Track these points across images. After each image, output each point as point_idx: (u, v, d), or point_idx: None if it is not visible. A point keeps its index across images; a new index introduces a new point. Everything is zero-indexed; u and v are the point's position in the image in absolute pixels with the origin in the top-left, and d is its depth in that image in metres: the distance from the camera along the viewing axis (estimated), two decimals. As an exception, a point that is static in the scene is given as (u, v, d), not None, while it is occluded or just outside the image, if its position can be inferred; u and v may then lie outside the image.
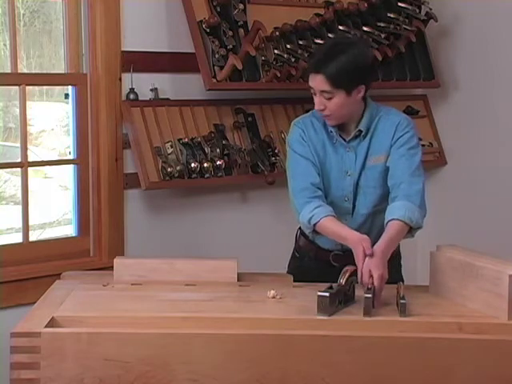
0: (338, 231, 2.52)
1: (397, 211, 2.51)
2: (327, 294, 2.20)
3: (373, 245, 2.41)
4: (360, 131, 2.65)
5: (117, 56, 3.32)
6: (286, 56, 3.50)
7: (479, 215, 4.09)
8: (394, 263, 2.67)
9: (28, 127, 3.31)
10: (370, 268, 2.33)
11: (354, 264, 2.43)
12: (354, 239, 2.44)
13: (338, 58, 2.51)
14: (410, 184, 2.57)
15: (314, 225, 2.55)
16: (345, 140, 2.67)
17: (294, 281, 2.62)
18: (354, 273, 2.34)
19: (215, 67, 3.38)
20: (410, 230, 2.53)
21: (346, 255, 2.59)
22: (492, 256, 2.37)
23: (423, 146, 4.14)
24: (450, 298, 2.39)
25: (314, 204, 2.57)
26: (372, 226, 2.70)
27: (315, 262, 2.79)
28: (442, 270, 2.44)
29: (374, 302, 2.26)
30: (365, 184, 2.67)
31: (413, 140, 2.66)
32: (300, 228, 2.79)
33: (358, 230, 2.58)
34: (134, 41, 3.36)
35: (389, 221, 2.51)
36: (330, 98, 2.55)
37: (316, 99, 2.58)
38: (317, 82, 2.54)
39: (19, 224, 3.26)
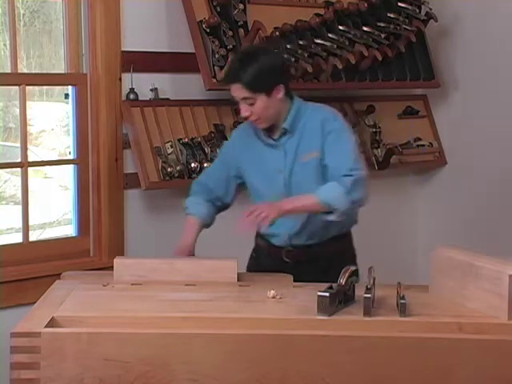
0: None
1: (322, 190, 2.60)
2: (327, 294, 2.20)
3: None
4: (285, 129, 2.72)
5: (117, 56, 3.33)
6: (286, 56, 3.50)
7: (479, 215, 4.09)
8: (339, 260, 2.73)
9: (28, 127, 3.31)
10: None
11: (306, 259, 2.73)
12: (180, 246, 2.76)
13: (251, 64, 2.62)
14: (344, 174, 2.61)
15: (186, 214, 2.82)
16: (274, 139, 2.75)
17: None
18: (354, 273, 2.34)
19: (215, 67, 3.38)
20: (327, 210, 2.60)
21: (297, 251, 2.78)
22: (492, 256, 2.37)
23: (423, 146, 4.16)
24: (450, 298, 2.38)
25: (195, 198, 2.84)
26: (311, 224, 2.74)
27: (270, 260, 2.84)
28: (442, 269, 2.44)
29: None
30: (299, 180, 2.73)
31: (342, 131, 2.72)
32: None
33: (299, 227, 2.74)
34: (134, 41, 3.36)
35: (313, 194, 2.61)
36: (252, 104, 2.64)
37: (241, 107, 2.67)
38: (237, 90, 2.64)
39: (19, 224, 3.26)
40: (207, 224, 2.87)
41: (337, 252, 2.81)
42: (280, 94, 2.66)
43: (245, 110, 2.66)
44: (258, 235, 2.90)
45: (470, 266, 2.33)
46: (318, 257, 2.79)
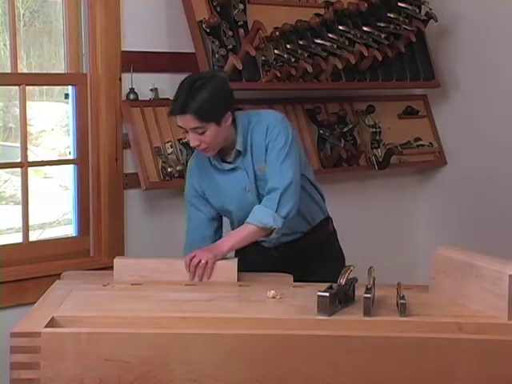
0: None
1: (254, 216, 2.64)
2: (327, 294, 2.20)
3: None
4: (238, 151, 2.71)
5: (117, 56, 3.32)
6: (285, 56, 3.50)
7: (479, 215, 4.09)
8: (322, 249, 2.89)
9: (28, 127, 3.31)
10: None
11: (296, 251, 2.80)
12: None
13: (200, 94, 2.57)
14: (271, 188, 2.66)
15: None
16: (229, 162, 2.73)
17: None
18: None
19: (215, 67, 3.37)
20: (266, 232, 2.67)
21: (285, 246, 2.82)
22: (492, 256, 2.37)
23: (423, 146, 4.17)
24: (450, 298, 2.39)
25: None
26: (293, 219, 2.73)
27: (258, 256, 2.82)
28: (442, 269, 2.44)
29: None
30: (263, 189, 2.72)
31: (275, 141, 2.69)
32: (232, 227, 2.88)
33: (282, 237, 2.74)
34: (134, 41, 3.36)
35: (247, 223, 2.66)
36: (202, 133, 2.61)
37: (190, 136, 2.63)
38: (186, 121, 2.60)
39: (19, 224, 3.26)
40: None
41: (324, 238, 2.90)
42: (229, 121, 2.63)
43: (194, 140, 2.61)
44: None
45: (470, 266, 2.33)
46: (306, 245, 2.84)
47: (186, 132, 2.64)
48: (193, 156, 2.88)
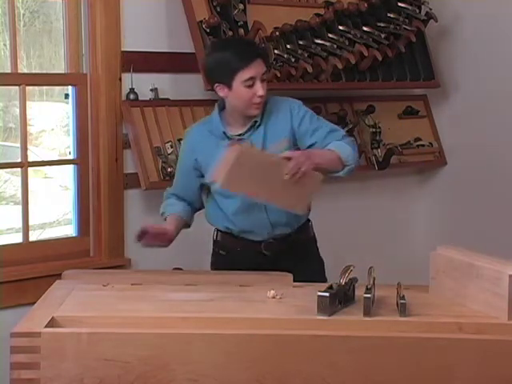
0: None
1: (337, 147, 2.66)
2: (327, 294, 2.20)
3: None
4: (256, 122, 2.72)
5: (117, 56, 3.33)
6: (285, 56, 3.51)
7: (479, 215, 4.09)
8: (311, 247, 2.91)
9: (28, 127, 3.31)
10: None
11: (285, 249, 2.77)
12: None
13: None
14: (338, 137, 2.71)
15: (165, 219, 2.85)
16: (238, 134, 2.74)
17: None
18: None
19: (215, 67, 3.37)
20: (342, 166, 2.67)
21: (277, 242, 2.80)
22: (492, 256, 2.37)
23: (423, 146, 4.17)
24: (450, 298, 2.39)
25: (169, 201, 2.88)
26: (290, 216, 2.74)
27: (245, 255, 2.81)
28: (442, 269, 2.44)
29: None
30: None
31: (312, 115, 2.78)
32: (216, 229, 2.89)
33: (277, 220, 2.75)
34: (134, 41, 3.36)
35: (329, 149, 2.66)
36: (264, 80, 2.67)
37: (259, 86, 2.64)
38: (260, 65, 2.64)
39: (19, 224, 3.26)
40: (187, 223, 2.89)
41: (309, 238, 2.90)
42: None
43: (263, 88, 2.64)
44: (225, 233, 2.86)
45: (469, 266, 2.33)
46: (294, 244, 2.82)
47: (249, 86, 2.62)
48: (189, 131, 2.89)
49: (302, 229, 2.87)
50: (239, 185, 2.47)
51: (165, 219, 2.86)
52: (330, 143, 2.68)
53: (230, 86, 2.64)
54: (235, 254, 2.85)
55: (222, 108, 2.78)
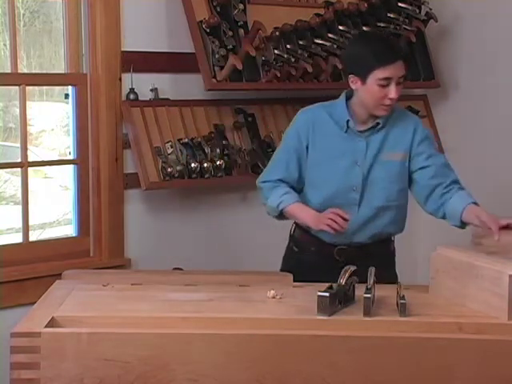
0: (298, 216, 2.69)
1: (467, 197, 2.71)
2: (327, 294, 2.20)
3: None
4: (378, 123, 2.69)
5: (117, 56, 3.32)
6: (285, 56, 3.50)
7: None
8: (389, 261, 2.83)
9: (28, 127, 3.31)
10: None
11: (359, 258, 2.58)
12: (311, 220, 2.63)
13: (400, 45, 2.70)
14: (455, 177, 2.76)
15: (282, 210, 2.68)
16: (359, 130, 2.71)
17: (294, 276, 2.62)
18: (354, 273, 2.34)
19: (215, 67, 3.38)
20: None
21: (350, 249, 2.71)
22: (492, 256, 2.37)
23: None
24: (450, 298, 2.39)
25: (282, 189, 2.70)
26: (377, 222, 2.73)
27: (317, 257, 2.79)
28: (442, 269, 2.44)
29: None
30: (378, 177, 2.71)
31: (432, 139, 2.82)
32: (296, 223, 2.83)
33: (364, 223, 2.70)
34: (134, 41, 3.36)
35: (467, 204, 2.68)
36: (400, 84, 2.62)
37: (392, 88, 2.60)
38: (400, 68, 2.61)
39: (19, 224, 3.26)
40: None
41: (388, 252, 2.85)
42: None
43: (398, 92, 2.61)
44: (302, 229, 2.82)
45: (470, 266, 2.33)
46: (367, 257, 2.67)
47: (383, 86, 2.60)
48: (306, 111, 2.81)
49: (383, 242, 2.81)
50: None
51: (281, 212, 2.70)
52: (454, 184, 2.74)
53: (364, 81, 2.62)
54: (307, 253, 2.82)
55: (349, 98, 2.74)
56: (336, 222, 2.53)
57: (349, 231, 2.64)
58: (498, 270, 2.23)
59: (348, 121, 2.70)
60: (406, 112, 2.82)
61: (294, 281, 2.59)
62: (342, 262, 2.60)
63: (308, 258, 2.81)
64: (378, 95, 2.61)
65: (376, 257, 2.68)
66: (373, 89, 2.61)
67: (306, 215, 2.66)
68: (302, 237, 2.84)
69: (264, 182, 2.78)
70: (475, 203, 2.67)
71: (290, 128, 2.81)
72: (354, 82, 2.65)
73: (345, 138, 2.71)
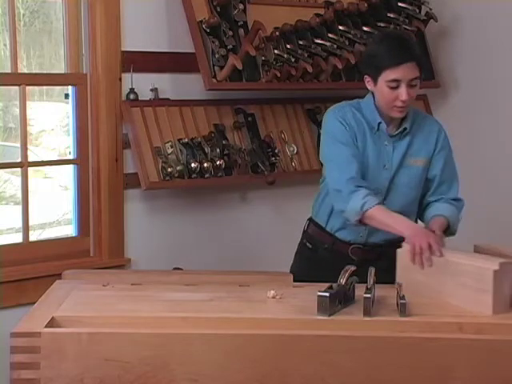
0: (389, 223, 2.56)
1: (445, 210, 2.71)
2: (327, 294, 2.20)
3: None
4: (405, 128, 2.68)
5: (117, 56, 3.32)
6: (285, 56, 3.50)
7: (479, 215, 4.08)
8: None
9: (28, 127, 3.31)
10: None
11: (372, 258, 2.63)
12: (410, 233, 2.51)
13: (415, 46, 2.64)
14: (455, 190, 2.80)
15: (365, 211, 2.55)
16: (389, 134, 2.69)
17: (307, 272, 2.63)
18: (354, 273, 2.34)
19: (215, 67, 3.38)
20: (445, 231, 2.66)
21: (365, 249, 2.72)
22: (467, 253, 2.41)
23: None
24: (421, 294, 2.37)
25: (363, 192, 2.57)
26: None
27: (331, 254, 2.78)
28: (410, 266, 2.44)
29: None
30: (401, 182, 2.71)
31: (451, 148, 2.80)
32: (311, 219, 2.83)
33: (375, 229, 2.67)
34: (134, 41, 3.36)
35: (437, 215, 2.68)
36: (414, 86, 2.57)
37: (403, 90, 2.55)
38: (410, 70, 2.54)
39: (19, 224, 3.26)
40: None
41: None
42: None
43: (407, 94, 2.55)
44: (316, 226, 2.82)
45: (445, 262, 2.36)
46: (381, 257, 2.69)
47: (393, 88, 2.56)
48: (338, 109, 2.73)
49: (396, 245, 2.70)
50: None
51: (362, 215, 2.57)
52: (449, 199, 2.76)
53: (375, 82, 2.60)
54: (321, 251, 2.81)
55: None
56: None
57: (367, 231, 2.69)
58: (480, 266, 2.26)
59: (380, 123, 2.68)
60: (427, 116, 2.80)
61: (306, 277, 2.59)
62: (355, 261, 2.62)
63: (321, 255, 2.81)
64: (388, 97, 2.58)
65: (388, 258, 2.64)
66: (383, 90, 2.58)
67: (401, 225, 2.56)
68: (316, 233, 2.84)
69: (348, 179, 2.62)
70: (444, 216, 2.67)
71: (332, 125, 2.69)
72: (368, 83, 2.64)
73: (375, 139, 2.69)
